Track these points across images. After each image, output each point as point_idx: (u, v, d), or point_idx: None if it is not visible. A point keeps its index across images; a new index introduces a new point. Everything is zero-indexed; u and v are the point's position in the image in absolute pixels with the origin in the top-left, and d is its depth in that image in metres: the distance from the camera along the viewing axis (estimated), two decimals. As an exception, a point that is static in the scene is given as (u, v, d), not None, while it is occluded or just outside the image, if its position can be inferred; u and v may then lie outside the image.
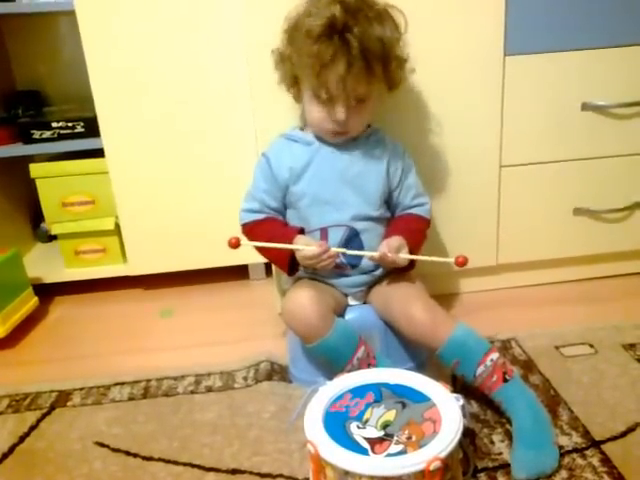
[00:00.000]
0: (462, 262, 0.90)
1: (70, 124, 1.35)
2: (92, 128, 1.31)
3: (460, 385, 0.96)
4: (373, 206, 0.99)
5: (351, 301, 1.03)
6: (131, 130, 1.27)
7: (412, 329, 0.91)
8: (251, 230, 1.01)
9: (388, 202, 1.03)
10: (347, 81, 0.88)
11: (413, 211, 1.04)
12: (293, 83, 0.98)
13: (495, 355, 0.87)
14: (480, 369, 0.86)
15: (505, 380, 0.86)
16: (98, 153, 1.31)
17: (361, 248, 0.98)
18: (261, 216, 1.01)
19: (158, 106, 1.25)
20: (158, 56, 1.22)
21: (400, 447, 0.70)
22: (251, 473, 0.82)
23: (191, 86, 1.25)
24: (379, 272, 1.01)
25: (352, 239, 0.98)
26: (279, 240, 0.93)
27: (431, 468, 0.66)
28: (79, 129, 1.35)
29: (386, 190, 1.01)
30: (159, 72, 1.23)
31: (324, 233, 0.98)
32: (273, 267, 1.28)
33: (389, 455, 0.69)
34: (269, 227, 0.99)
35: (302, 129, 1.03)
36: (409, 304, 0.92)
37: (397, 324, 0.95)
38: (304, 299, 0.92)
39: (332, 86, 0.89)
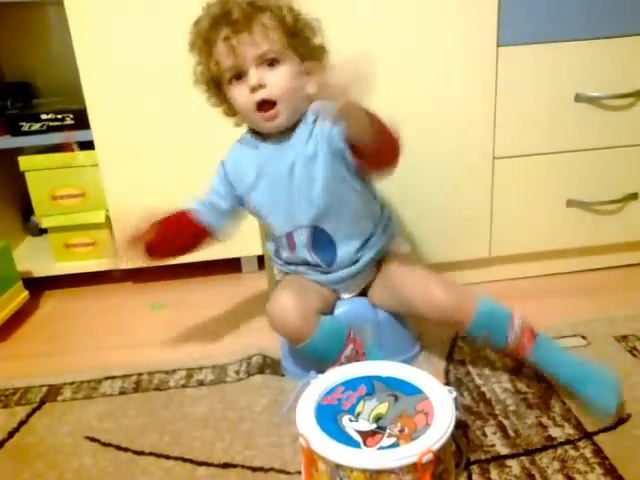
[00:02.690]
0: None
1: (59, 116, 1.33)
2: (82, 120, 1.29)
3: (453, 377, 0.97)
4: (331, 190, 0.91)
5: (344, 295, 1.02)
6: (121, 122, 1.25)
7: (435, 312, 0.90)
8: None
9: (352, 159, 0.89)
10: (233, 40, 0.85)
11: None
12: (217, 93, 0.95)
13: (518, 315, 0.89)
14: (511, 334, 0.88)
15: (534, 338, 0.88)
16: (88, 145, 1.29)
17: (331, 243, 0.95)
18: (190, 206, 1.01)
19: (148, 98, 1.24)
20: (148, 47, 1.20)
21: (392, 440, 0.70)
22: (243, 467, 0.81)
23: (181, 77, 1.23)
24: (362, 263, 0.97)
25: (318, 236, 0.95)
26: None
27: (423, 461, 0.66)
28: (68, 121, 1.33)
29: (338, 164, 0.90)
30: (149, 63, 1.21)
31: (290, 238, 0.97)
32: (265, 260, 1.27)
33: (381, 448, 0.69)
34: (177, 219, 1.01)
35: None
36: (427, 288, 0.91)
37: (414, 309, 0.93)
38: (286, 303, 0.90)
39: (225, 54, 0.87)
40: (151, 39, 1.20)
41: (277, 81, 0.88)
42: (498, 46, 1.12)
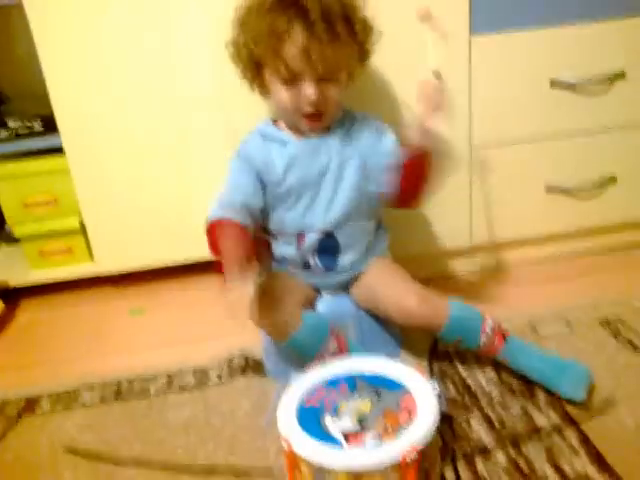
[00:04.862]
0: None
1: (28, 123, 1.30)
2: (51, 126, 1.26)
3: (437, 369, 0.96)
4: (354, 201, 0.94)
5: (325, 292, 1.01)
6: (91, 126, 1.22)
7: (409, 321, 0.92)
8: (219, 225, 0.87)
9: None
10: (310, 50, 0.82)
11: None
12: (255, 74, 0.91)
13: (490, 321, 0.91)
14: (483, 338, 0.89)
15: (505, 340, 0.90)
16: (60, 151, 1.26)
17: (336, 249, 0.96)
18: (234, 217, 0.87)
19: (117, 100, 1.21)
20: (116, 47, 1.17)
21: (376, 438, 0.68)
22: (226, 472, 0.80)
23: (152, 77, 1.20)
24: (353, 273, 0.99)
25: (327, 242, 0.95)
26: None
27: (407, 459, 0.65)
28: (37, 127, 1.30)
29: (365, 175, 0.95)
30: (117, 65, 1.18)
31: (301, 238, 0.95)
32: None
33: (365, 448, 0.67)
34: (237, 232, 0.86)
35: (275, 122, 0.97)
36: (402, 297, 0.91)
37: (390, 316, 0.95)
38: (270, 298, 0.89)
39: (295, 60, 0.83)
40: (120, 39, 1.17)
41: (330, 97, 0.89)
42: (471, 35, 1.10)
